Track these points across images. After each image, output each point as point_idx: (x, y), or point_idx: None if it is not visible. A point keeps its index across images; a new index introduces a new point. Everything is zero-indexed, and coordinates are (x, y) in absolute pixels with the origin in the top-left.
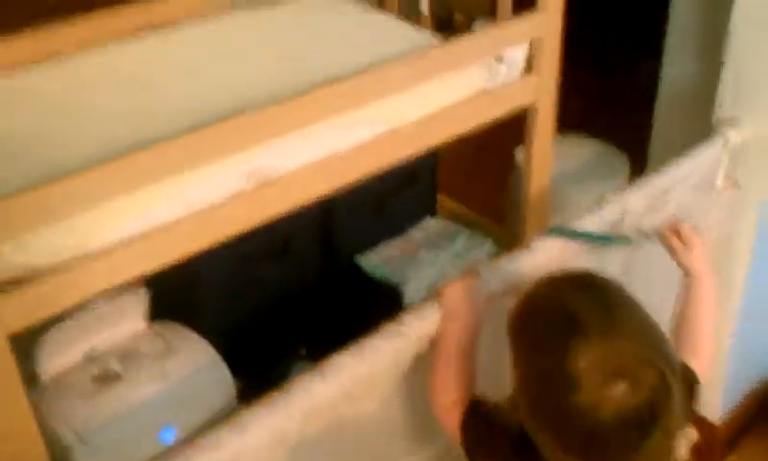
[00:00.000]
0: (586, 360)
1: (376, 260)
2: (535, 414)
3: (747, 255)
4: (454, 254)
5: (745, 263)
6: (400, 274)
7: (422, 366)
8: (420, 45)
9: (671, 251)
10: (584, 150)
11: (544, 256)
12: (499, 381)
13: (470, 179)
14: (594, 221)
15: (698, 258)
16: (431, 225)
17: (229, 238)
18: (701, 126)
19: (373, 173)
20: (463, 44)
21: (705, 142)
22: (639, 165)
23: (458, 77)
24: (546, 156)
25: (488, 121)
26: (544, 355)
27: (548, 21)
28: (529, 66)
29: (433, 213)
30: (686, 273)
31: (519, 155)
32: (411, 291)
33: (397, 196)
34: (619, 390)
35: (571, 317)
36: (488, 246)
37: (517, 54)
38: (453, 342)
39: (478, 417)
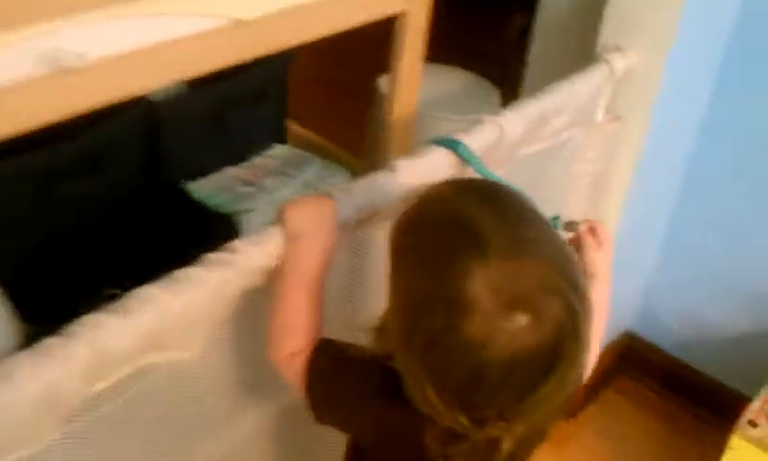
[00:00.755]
0: (481, 282)
1: (210, 187)
2: (409, 344)
3: (621, 197)
4: (304, 184)
5: (618, 204)
6: (240, 204)
7: (256, 305)
8: None
9: (583, 245)
10: (453, 80)
11: (410, 178)
12: (350, 331)
13: (326, 106)
14: (471, 142)
15: (603, 261)
16: (279, 152)
17: (24, 134)
18: (579, 63)
19: (204, 71)
20: None
21: (587, 68)
22: (511, 101)
23: None
24: (414, 76)
25: (350, 26)
26: (431, 271)
27: None
28: None
29: (282, 140)
30: (586, 272)
31: (382, 84)
32: (253, 225)
33: (240, 115)
34: (517, 323)
35: (470, 230)
36: (343, 176)
37: None
38: (300, 270)
39: (329, 356)
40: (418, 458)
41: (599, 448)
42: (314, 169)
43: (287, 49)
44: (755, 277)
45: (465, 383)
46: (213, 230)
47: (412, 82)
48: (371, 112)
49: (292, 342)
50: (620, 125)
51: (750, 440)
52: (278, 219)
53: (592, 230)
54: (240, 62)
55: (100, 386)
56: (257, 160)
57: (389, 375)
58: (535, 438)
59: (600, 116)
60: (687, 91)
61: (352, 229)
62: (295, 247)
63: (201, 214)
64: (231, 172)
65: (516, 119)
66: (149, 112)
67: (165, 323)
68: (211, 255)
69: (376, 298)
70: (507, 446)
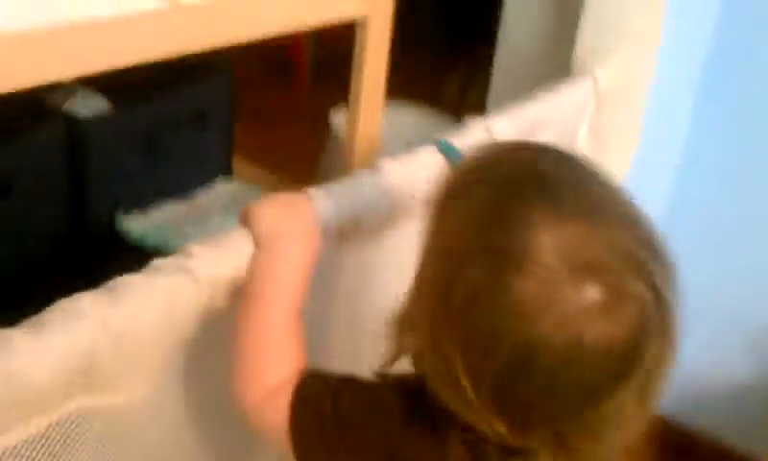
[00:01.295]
0: (547, 237)
1: (147, 224)
2: (440, 315)
3: None
4: None
5: None
6: (181, 242)
7: (220, 328)
8: None
9: None
10: (412, 118)
11: (397, 179)
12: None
13: (276, 142)
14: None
15: None
16: (224, 187)
17: None
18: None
19: (133, 59)
20: None
21: (571, 80)
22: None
23: None
24: (377, 97)
25: (303, 27)
26: (488, 217)
27: None
28: None
29: (227, 173)
30: None
31: (336, 118)
32: None
33: (177, 140)
34: (588, 296)
35: (538, 177)
36: None
37: None
38: (276, 282)
39: (322, 388)
40: None
41: None
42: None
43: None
44: (747, 307)
45: (508, 368)
46: None
47: (374, 106)
48: (326, 146)
49: (272, 374)
50: (605, 145)
51: None
52: (244, 221)
53: None
54: (179, 53)
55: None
56: (199, 195)
57: (407, 397)
58: None
59: (583, 131)
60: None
61: (334, 239)
62: (268, 254)
63: (134, 255)
64: (171, 207)
65: (505, 124)
66: (71, 130)
67: (99, 349)
68: (159, 261)
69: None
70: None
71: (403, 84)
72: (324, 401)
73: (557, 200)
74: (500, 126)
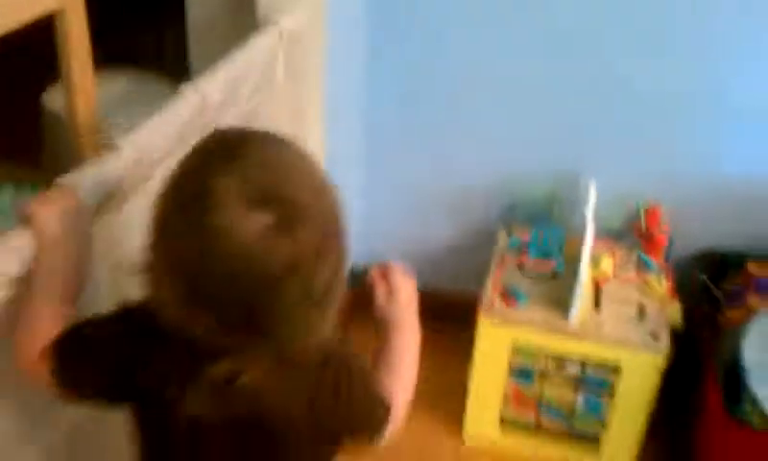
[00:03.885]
0: (229, 181)
1: None
2: (154, 247)
3: (319, 150)
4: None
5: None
6: None
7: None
8: None
9: (375, 294)
10: (121, 82)
11: (136, 154)
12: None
13: None
14: (169, 118)
15: (401, 308)
16: None
17: None
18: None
19: None
20: None
21: (258, 32)
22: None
23: None
24: (88, 80)
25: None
26: (187, 173)
27: None
28: None
29: None
30: (385, 323)
31: (48, 98)
32: None
33: None
34: (259, 220)
35: (232, 142)
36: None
37: None
38: (51, 274)
39: (71, 335)
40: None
41: None
42: (8, 196)
43: None
44: (445, 182)
45: (210, 279)
46: None
47: (87, 87)
48: (43, 123)
49: (35, 346)
50: (299, 81)
51: (491, 321)
52: (25, 220)
53: (383, 275)
54: None
55: None
56: None
57: (136, 311)
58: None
59: (280, 74)
60: (351, 36)
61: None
62: (50, 254)
63: None
64: None
65: (213, 84)
66: None
67: None
68: None
69: None
70: (256, 371)
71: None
72: (69, 339)
73: (236, 155)
74: (210, 89)
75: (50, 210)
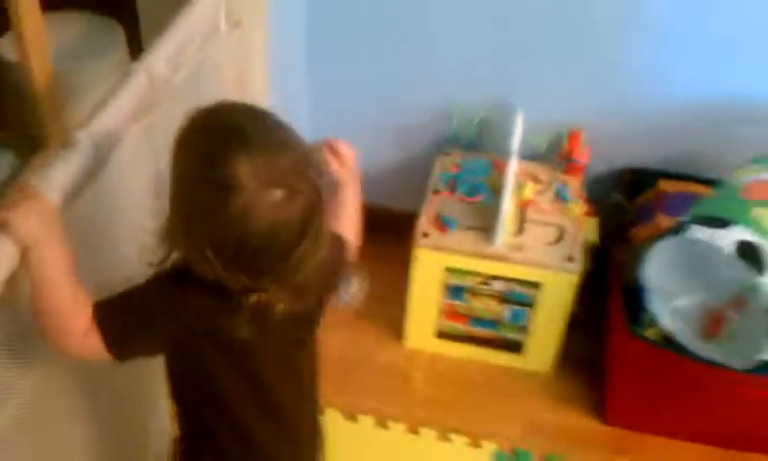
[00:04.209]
0: (245, 167)
1: None
2: (190, 225)
3: (264, 87)
4: None
5: (263, 92)
6: None
7: None
8: None
9: (327, 162)
10: (72, 26)
11: (95, 143)
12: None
13: None
14: (122, 103)
15: (347, 171)
16: None
17: None
18: None
19: None
20: None
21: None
22: (133, 32)
23: None
24: (42, 44)
25: None
26: (206, 161)
27: None
28: None
29: None
30: (339, 184)
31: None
32: None
33: None
34: (274, 197)
35: (234, 129)
36: (9, 158)
37: None
38: (46, 275)
39: (111, 304)
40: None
41: None
42: None
43: None
44: (391, 111)
45: (239, 247)
46: None
47: (37, 37)
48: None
49: (76, 327)
50: (242, 28)
51: (426, 247)
52: (2, 228)
53: (331, 148)
54: None
55: None
56: None
57: (175, 273)
58: (306, 327)
59: (224, 25)
60: None
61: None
62: (32, 257)
63: None
64: None
65: (160, 59)
66: None
67: None
68: None
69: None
70: (280, 305)
71: None
72: (118, 311)
73: (248, 142)
74: (158, 65)
75: (24, 219)
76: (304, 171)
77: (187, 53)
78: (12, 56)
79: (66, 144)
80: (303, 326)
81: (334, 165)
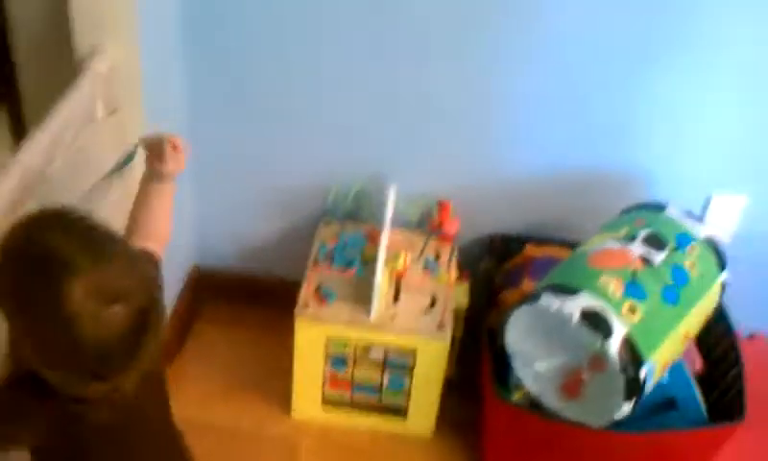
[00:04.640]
0: (79, 295)
1: None
2: (45, 357)
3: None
4: None
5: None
6: None
7: None
8: None
9: (165, 154)
10: None
11: None
12: None
13: None
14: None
15: (175, 165)
16: None
17: None
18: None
19: None
20: None
21: (75, 82)
22: (16, 114)
23: None
24: None
25: None
26: (39, 301)
27: None
28: None
29: None
30: (159, 176)
31: None
32: None
33: None
34: (114, 312)
35: (54, 257)
36: None
37: None
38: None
39: None
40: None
41: (208, 374)
42: None
43: None
44: (273, 184)
45: (94, 358)
46: None
47: None
48: None
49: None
50: (119, 113)
51: (307, 318)
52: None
53: (174, 146)
54: None
55: None
56: None
57: (31, 380)
58: (152, 378)
59: (100, 113)
60: (166, 63)
61: None
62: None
63: None
64: None
65: (34, 152)
66: None
67: None
68: None
69: None
70: (129, 386)
71: None
72: None
73: (71, 269)
74: (32, 157)
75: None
76: (132, 272)
77: (63, 142)
78: None
79: None
80: (153, 384)
81: (173, 161)
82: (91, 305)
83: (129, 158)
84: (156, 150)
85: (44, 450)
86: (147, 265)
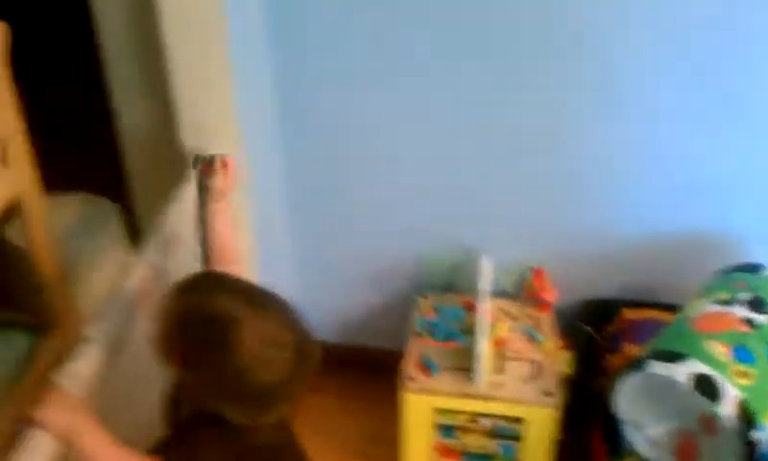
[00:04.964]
0: (247, 346)
1: None
2: (223, 396)
3: (249, 256)
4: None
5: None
6: None
7: None
8: None
9: (216, 172)
10: (68, 208)
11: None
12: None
13: None
14: (127, 294)
15: (225, 181)
16: None
17: None
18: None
19: None
20: None
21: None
22: (125, 207)
23: None
24: (48, 236)
25: None
26: (216, 355)
27: (6, 116)
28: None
29: None
30: (213, 194)
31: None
32: None
33: None
34: (282, 355)
35: (224, 317)
36: (20, 338)
37: None
38: (95, 443)
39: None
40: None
41: (314, 442)
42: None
43: None
44: (366, 258)
45: (264, 394)
46: None
47: (46, 242)
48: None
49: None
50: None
51: (414, 391)
52: (38, 428)
53: (224, 163)
54: None
55: None
56: None
57: (215, 421)
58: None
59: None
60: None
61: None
62: (73, 443)
63: None
64: None
65: (154, 251)
66: None
67: None
68: None
69: None
70: (287, 413)
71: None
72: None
73: (239, 325)
74: (155, 257)
75: (53, 411)
76: (282, 318)
77: (179, 239)
78: (19, 240)
79: (81, 339)
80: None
81: (220, 179)
82: (261, 352)
83: (196, 160)
84: (208, 166)
85: None
86: (293, 309)
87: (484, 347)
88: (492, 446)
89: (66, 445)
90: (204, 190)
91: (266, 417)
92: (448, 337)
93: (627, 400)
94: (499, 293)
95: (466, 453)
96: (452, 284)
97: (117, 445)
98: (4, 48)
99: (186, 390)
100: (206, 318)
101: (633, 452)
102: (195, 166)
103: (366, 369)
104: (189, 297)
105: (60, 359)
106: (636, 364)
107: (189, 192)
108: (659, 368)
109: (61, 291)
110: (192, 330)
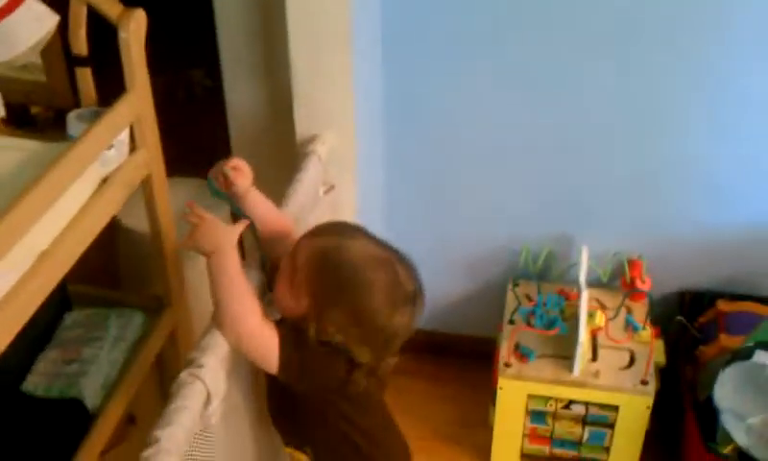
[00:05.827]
0: (382, 288)
1: (42, 380)
2: (359, 339)
3: None
4: (115, 340)
5: None
6: (74, 383)
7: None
8: (34, 153)
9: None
10: (183, 191)
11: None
12: None
13: None
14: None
15: (243, 180)
16: (74, 319)
17: None
18: (277, 140)
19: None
20: (84, 146)
21: (302, 165)
22: None
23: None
24: (169, 217)
25: (120, 207)
26: (350, 295)
27: (141, 99)
28: (134, 142)
29: (68, 307)
30: (245, 195)
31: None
32: (90, 397)
33: None
34: (403, 301)
35: (363, 258)
36: (137, 318)
37: (123, 136)
38: (235, 268)
39: (291, 336)
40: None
41: (405, 425)
42: (114, 323)
43: None
44: (460, 245)
45: (391, 341)
46: (65, 418)
47: (169, 223)
48: (119, 245)
49: (253, 320)
50: (336, 190)
51: (509, 377)
52: (191, 236)
53: (235, 167)
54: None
55: None
56: (62, 335)
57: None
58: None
59: (321, 192)
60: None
61: None
62: (224, 258)
63: (50, 408)
64: (47, 357)
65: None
66: None
67: None
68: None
69: None
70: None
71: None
72: (293, 348)
73: (380, 264)
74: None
75: (207, 224)
76: (414, 272)
77: (304, 220)
78: (128, 222)
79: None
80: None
81: (240, 177)
82: (393, 295)
83: (214, 192)
84: (222, 178)
85: (331, 403)
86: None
87: (583, 336)
88: (582, 432)
89: (209, 258)
90: (233, 203)
91: (386, 361)
92: (546, 325)
93: (726, 389)
94: (594, 282)
95: (554, 439)
96: (546, 273)
97: (243, 275)
98: (143, 34)
99: (317, 332)
100: (345, 259)
101: (729, 440)
102: (215, 193)
103: (459, 355)
104: (327, 240)
105: (173, 337)
106: (740, 354)
107: (307, 176)
108: (765, 358)
109: (177, 272)
110: (329, 271)
